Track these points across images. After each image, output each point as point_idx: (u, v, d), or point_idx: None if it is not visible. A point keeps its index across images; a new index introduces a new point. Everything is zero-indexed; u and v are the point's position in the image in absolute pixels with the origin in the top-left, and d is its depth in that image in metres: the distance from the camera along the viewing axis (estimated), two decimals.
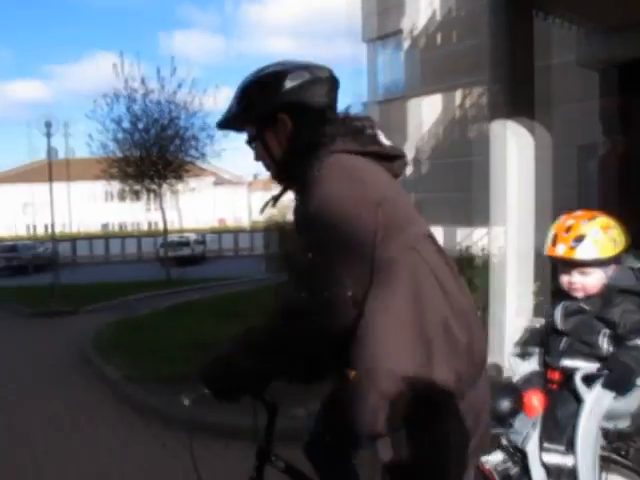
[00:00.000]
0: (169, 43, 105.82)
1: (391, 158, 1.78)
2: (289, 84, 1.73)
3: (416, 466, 1.62)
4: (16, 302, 14.99)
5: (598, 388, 2.24)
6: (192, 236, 32.55)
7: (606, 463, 2.28)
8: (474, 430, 1.66)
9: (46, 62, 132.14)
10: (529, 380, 2.48)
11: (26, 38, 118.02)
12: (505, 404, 2.31)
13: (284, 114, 1.75)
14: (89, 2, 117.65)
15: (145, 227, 44.71)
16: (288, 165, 1.80)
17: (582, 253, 2.34)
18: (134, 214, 38.58)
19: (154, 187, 18.41)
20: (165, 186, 18.51)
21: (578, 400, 2.28)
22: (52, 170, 15.67)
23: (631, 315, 2.30)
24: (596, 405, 2.24)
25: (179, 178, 18.77)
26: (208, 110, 17.81)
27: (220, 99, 18.71)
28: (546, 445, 2.29)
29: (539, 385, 2.44)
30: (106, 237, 35.37)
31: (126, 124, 17.63)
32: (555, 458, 2.26)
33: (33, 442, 4.71)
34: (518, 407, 2.35)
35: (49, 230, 36.58)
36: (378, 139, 1.77)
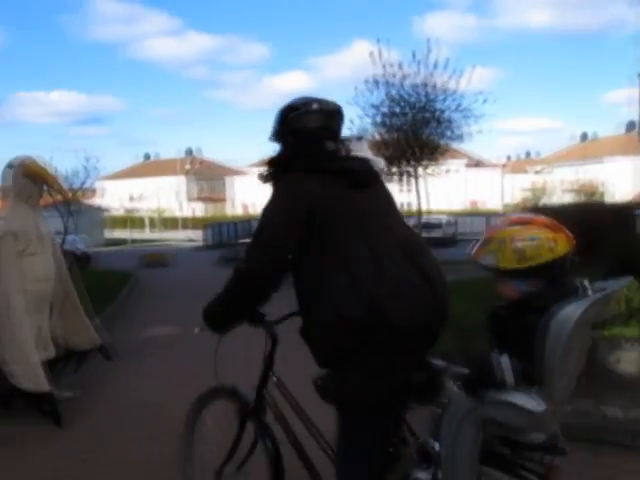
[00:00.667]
0: (421, 26, 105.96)
1: (351, 172, 2.27)
2: (292, 114, 2.33)
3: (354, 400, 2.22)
4: None
5: (458, 389, 2.20)
6: (444, 218, 32.36)
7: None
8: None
9: (308, 55, 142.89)
10: None
11: (288, 35, 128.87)
12: (467, 371, 2.21)
13: (289, 135, 2.35)
14: None
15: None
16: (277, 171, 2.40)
17: (482, 257, 2.27)
18: None
19: (409, 169, 18.94)
20: (420, 168, 18.92)
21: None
22: None
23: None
24: (453, 406, 2.19)
25: (434, 160, 18.98)
26: (462, 91, 17.62)
27: (475, 79, 18.32)
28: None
29: None
30: None
31: (384, 109, 18.30)
32: (433, 444, 2.27)
33: None
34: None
35: None
36: (339, 158, 2.30)
